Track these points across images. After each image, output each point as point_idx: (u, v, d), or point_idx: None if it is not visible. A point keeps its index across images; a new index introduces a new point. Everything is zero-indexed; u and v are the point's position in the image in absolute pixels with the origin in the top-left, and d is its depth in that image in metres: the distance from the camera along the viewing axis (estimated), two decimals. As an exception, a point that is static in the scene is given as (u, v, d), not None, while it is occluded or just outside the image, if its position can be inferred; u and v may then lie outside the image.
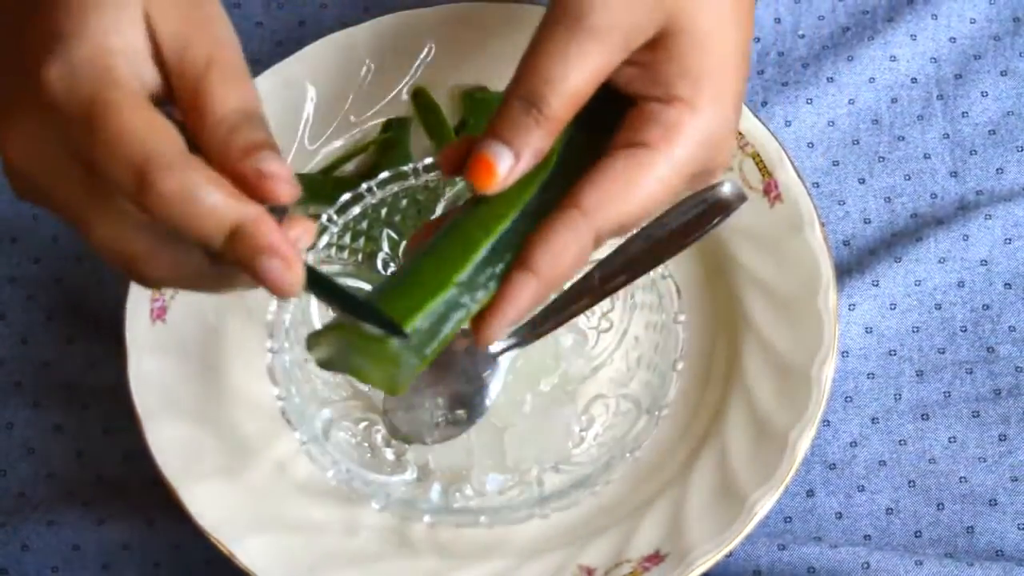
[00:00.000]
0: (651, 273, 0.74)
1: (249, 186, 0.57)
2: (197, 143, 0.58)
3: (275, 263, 0.56)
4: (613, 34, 0.61)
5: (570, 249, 0.62)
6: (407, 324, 0.62)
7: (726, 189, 0.68)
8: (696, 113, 0.62)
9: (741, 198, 0.68)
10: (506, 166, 0.62)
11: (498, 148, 0.62)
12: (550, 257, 0.62)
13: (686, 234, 0.69)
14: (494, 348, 0.75)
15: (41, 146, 0.58)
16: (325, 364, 0.65)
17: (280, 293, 0.57)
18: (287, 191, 0.57)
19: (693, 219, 0.68)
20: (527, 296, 0.62)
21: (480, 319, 0.63)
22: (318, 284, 0.61)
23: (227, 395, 0.81)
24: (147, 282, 0.60)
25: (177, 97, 0.59)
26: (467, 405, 0.76)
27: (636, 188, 0.62)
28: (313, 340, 0.64)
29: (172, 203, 0.55)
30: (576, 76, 0.61)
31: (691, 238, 0.69)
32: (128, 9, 0.58)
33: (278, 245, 0.56)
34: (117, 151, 0.55)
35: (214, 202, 0.56)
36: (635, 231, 0.69)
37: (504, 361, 0.76)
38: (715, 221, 0.68)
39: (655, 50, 0.62)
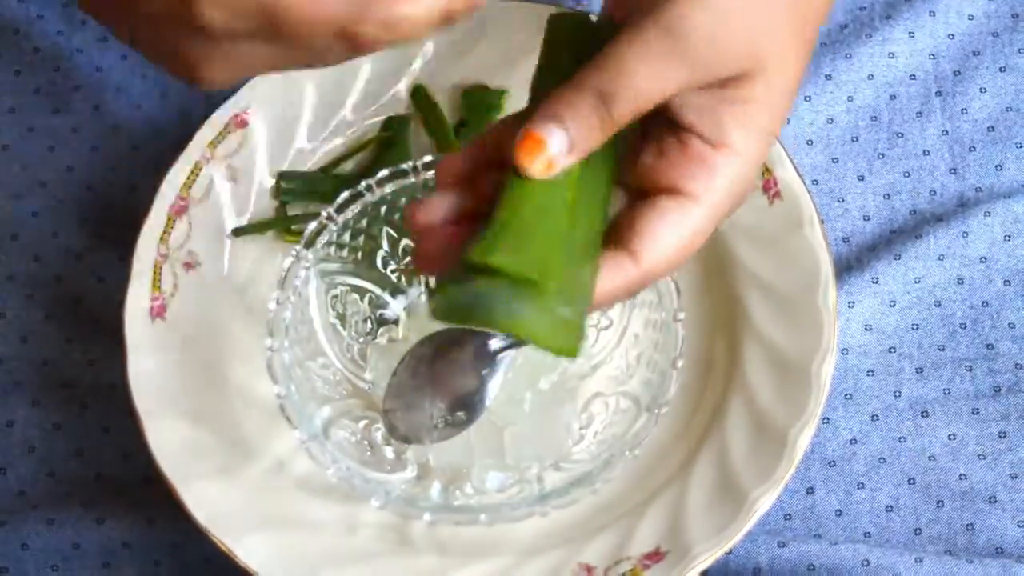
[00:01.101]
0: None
1: None
2: None
3: None
4: (701, 62, 0.60)
5: (619, 296, 0.62)
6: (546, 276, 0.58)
7: None
8: (742, 164, 0.62)
9: None
10: (555, 152, 0.60)
11: (552, 130, 0.60)
12: (605, 300, 0.61)
13: None
14: (494, 348, 0.75)
15: None
16: (464, 315, 0.58)
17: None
18: None
19: None
20: None
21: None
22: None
23: (227, 393, 0.81)
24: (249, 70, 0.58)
25: None
26: (467, 405, 0.76)
27: (683, 241, 0.62)
28: (451, 289, 0.59)
29: None
30: (654, 89, 0.60)
31: None
32: None
33: None
34: None
35: None
36: None
37: (503, 360, 0.76)
38: None
39: (725, 87, 0.61)
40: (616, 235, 0.62)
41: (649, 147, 0.62)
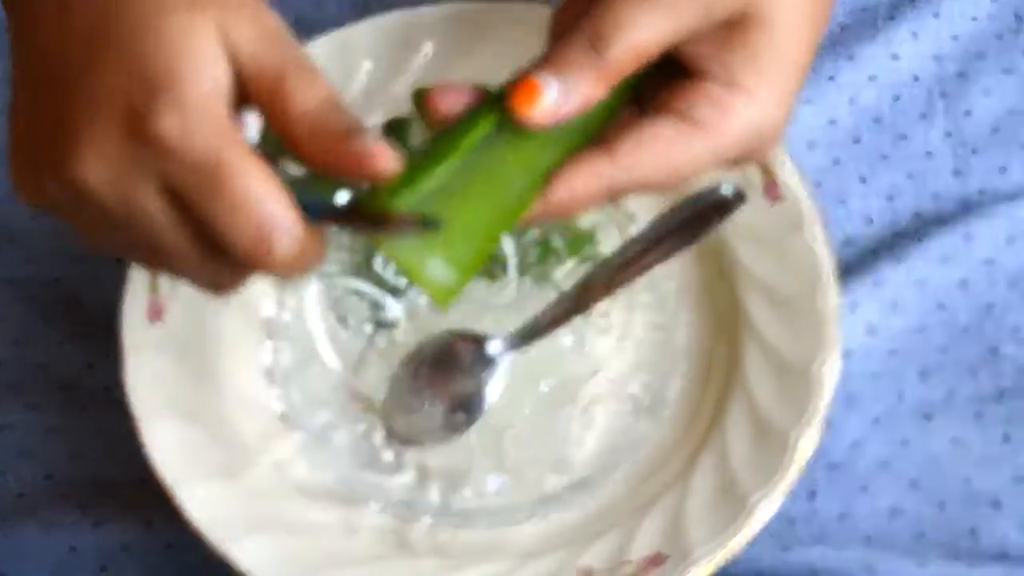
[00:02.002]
0: (651, 273, 0.74)
1: (352, 167, 0.58)
2: (282, 137, 0.59)
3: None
4: (694, 4, 0.61)
5: (588, 192, 0.62)
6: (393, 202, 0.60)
7: (725, 189, 0.68)
8: (753, 104, 0.63)
9: (741, 198, 0.68)
10: (551, 99, 0.61)
11: (548, 78, 0.61)
12: (566, 194, 0.62)
13: (685, 234, 0.69)
14: (493, 350, 0.75)
15: (131, 178, 0.58)
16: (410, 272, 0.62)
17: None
18: (393, 164, 0.58)
19: (692, 218, 0.68)
20: (530, 217, 0.63)
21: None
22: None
23: (225, 396, 0.81)
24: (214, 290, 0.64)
25: (256, 98, 0.59)
26: (466, 407, 0.76)
27: (671, 159, 0.62)
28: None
29: (286, 265, 0.59)
30: (647, 31, 0.61)
31: (691, 238, 0.69)
32: (210, 29, 0.58)
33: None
34: (243, 214, 0.58)
35: (316, 257, 0.60)
36: (632, 238, 0.69)
37: (503, 363, 0.76)
38: (714, 221, 0.68)
39: (730, 31, 0.62)
40: (602, 136, 0.63)
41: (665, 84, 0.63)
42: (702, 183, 0.69)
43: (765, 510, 0.75)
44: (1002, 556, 0.79)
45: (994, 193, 0.86)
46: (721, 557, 0.75)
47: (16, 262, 0.86)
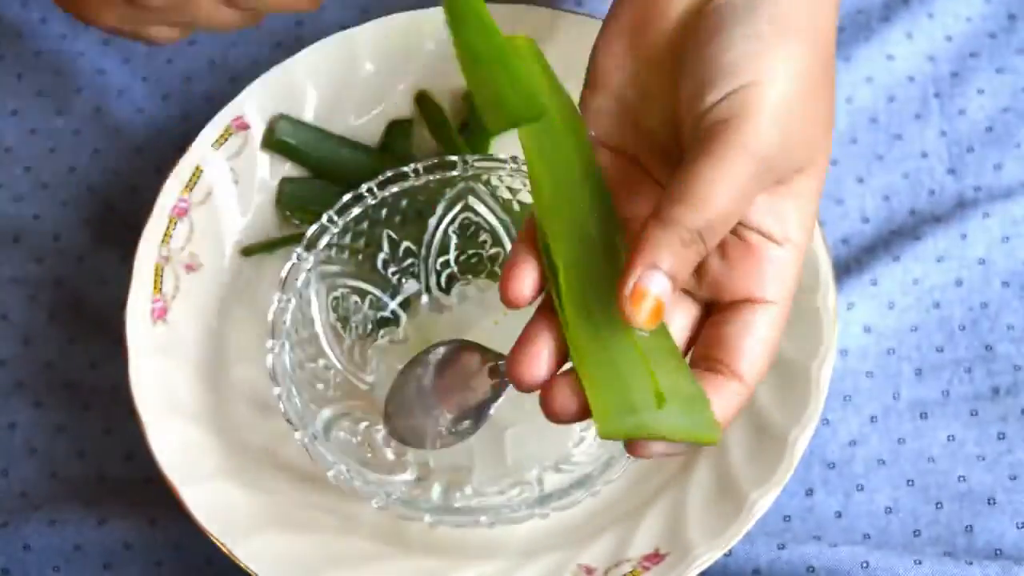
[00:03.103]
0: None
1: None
2: None
3: None
4: (777, 172, 0.60)
5: (735, 417, 0.62)
6: None
7: None
8: (800, 253, 0.62)
9: None
10: (661, 292, 0.58)
11: (657, 276, 0.58)
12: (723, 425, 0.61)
13: None
14: (502, 368, 0.74)
15: None
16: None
17: None
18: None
19: None
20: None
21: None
22: None
23: (228, 394, 0.81)
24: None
25: None
26: (473, 415, 0.76)
27: (774, 345, 0.62)
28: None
29: None
30: (745, 207, 0.59)
31: None
32: None
33: None
34: None
35: None
36: None
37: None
38: None
39: (787, 184, 0.61)
40: (713, 355, 0.61)
41: (712, 254, 0.62)
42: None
43: (763, 508, 0.76)
44: (998, 553, 0.79)
45: (989, 191, 0.86)
46: (719, 554, 0.75)
47: (22, 262, 0.86)
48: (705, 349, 0.62)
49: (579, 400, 0.60)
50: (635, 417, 0.59)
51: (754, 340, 0.61)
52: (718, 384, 0.61)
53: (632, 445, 0.60)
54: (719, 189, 0.57)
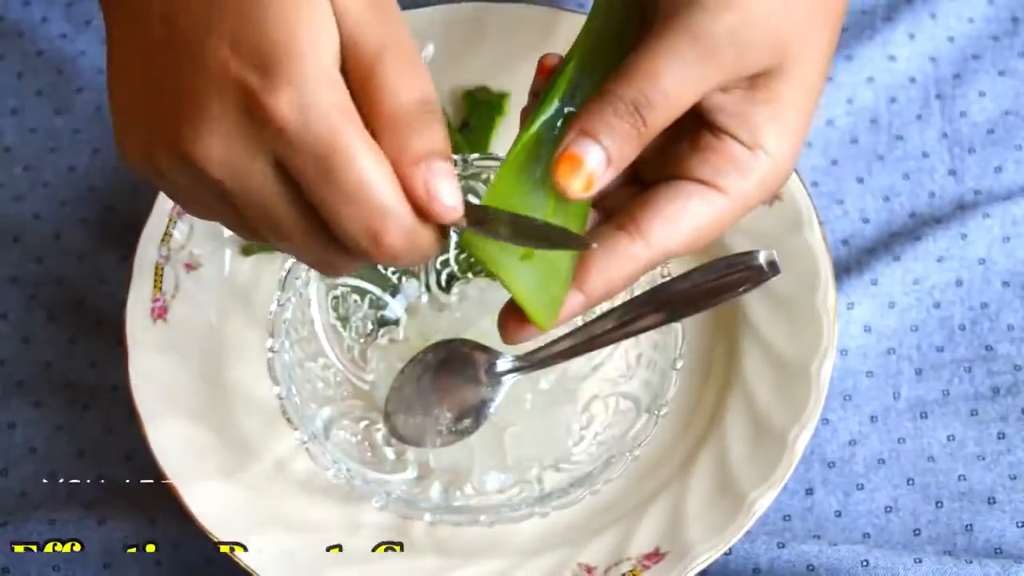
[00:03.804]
0: (652, 274, 0.74)
1: (413, 195, 0.57)
2: (370, 129, 0.57)
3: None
4: (729, 63, 0.60)
5: (624, 276, 0.62)
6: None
7: (761, 258, 0.65)
8: (776, 164, 0.62)
9: (774, 268, 0.65)
10: (596, 166, 0.60)
11: (591, 146, 0.60)
12: (603, 283, 0.62)
13: (711, 294, 0.67)
14: (502, 367, 0.74)
15: (246, 155, 0.57)
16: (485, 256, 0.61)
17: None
18: (450, 216, 0.58)
19: (722, 281, 0.66)
20: (571, 313, 0.62)
21: (521, 323, 0.63)
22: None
23: (228, 394, 0.81)
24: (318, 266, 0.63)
25: (350, 79, 0.57)
26: (473, 415, 0.76)
27: (702, 229, 0.62)
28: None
29: (395, 255, 0.58)
30: (686, 95, 0.60)
31: (715, 300, 0.66)
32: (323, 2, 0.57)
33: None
34: (355, 203, 0.56)
35: (429, 247, 0.58)
36: (660, 284, 0.69)
37: (507, 381, 0.75)
38: (743, 288, 0.66)
39: (755, 87, 0.61)
40: (631, 213, 0.62)
41: (683, 140, 0.62)
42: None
43: (763, 507, 0.76)
44: (998, 552, 0.79)
45: (989, 193, 0.86)
46: (719, 553, 0.75)
47: (21, 262, 0.86)
48: (629, 209, 0.62)
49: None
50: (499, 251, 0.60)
51: (682, 212, 0.61)
52: (615, 240, 0.61)
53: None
54: (655, 65, 0.59)
